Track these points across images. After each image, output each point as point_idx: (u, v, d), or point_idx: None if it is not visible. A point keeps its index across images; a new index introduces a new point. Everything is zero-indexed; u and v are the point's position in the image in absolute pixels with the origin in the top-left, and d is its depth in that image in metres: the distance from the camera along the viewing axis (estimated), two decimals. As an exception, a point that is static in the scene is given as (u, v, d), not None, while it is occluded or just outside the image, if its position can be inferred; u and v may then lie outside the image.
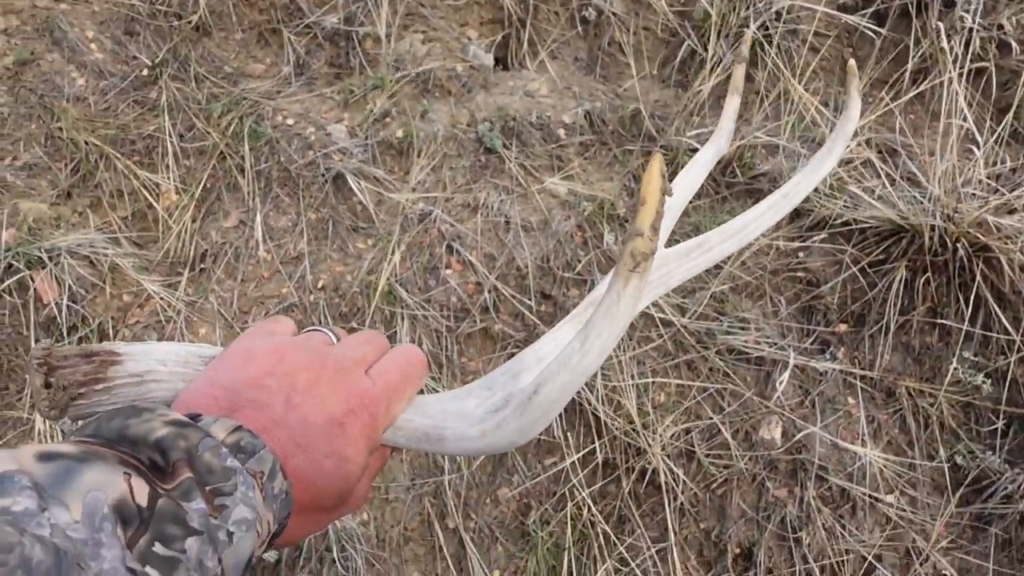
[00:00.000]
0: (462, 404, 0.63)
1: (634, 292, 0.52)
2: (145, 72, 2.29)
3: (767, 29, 2.33)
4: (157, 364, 0.61)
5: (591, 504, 1.73)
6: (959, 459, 1.75)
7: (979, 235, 1.77)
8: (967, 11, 2.19)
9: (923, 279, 1.82)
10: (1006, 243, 1.77)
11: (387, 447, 0.64)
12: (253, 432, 0.51)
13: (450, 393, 0.65)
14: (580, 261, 1.97)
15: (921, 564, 1.67)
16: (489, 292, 1.93)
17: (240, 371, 0.56)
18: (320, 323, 1.86)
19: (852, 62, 0.90)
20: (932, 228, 1.80)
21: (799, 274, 1.97)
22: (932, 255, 1.82)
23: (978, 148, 1.94)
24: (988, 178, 1.91)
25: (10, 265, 1.81)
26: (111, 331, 1.81)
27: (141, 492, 0.42)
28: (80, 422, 0.56)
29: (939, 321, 1.83)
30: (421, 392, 0.67)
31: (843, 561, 1.68)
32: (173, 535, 0.42)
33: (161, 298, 1.85)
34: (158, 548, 0.41)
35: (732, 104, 0.94)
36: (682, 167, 2.13)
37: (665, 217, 0.84)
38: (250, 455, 0.49)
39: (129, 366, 0.60)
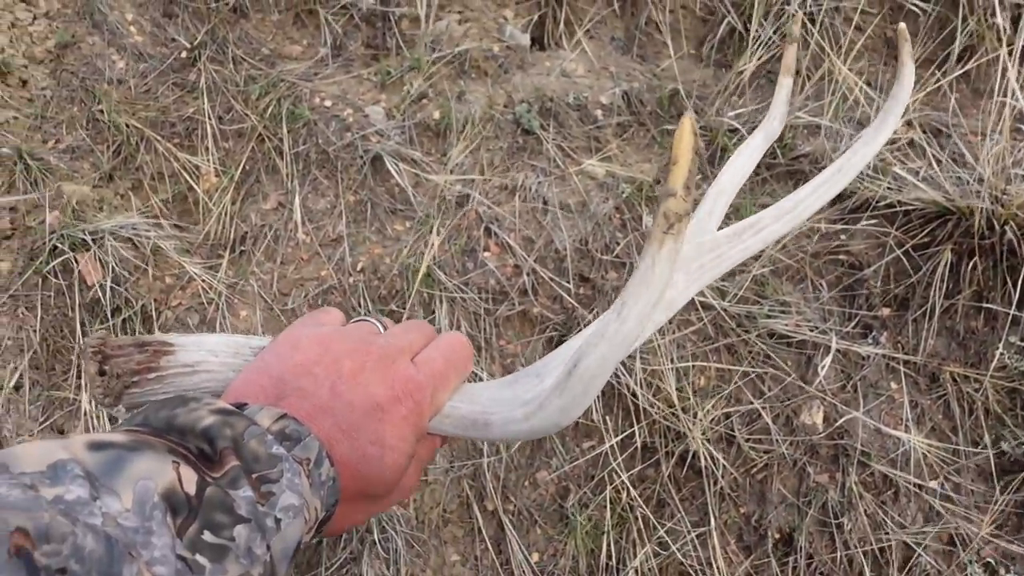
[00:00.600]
0: (510, 390, 0.63)
1: (669, 255, 0.51)
2: (184, 54, 2.30)
3: (810, 7, 2.28)
4: (208, 355, 0.62)
5: (630, 488, 1.73)
6: (1005, 446, 1.72)
7: (1029, 218, 1.73)
8: (1017, -13, 2.13)
9: (969, 263, 1.79)
10: (1057, 226, 1.73)
11: (436, 437, 0.64)
12: (298, 420, 0.51)
13: (498, 381, 0.65)
14: (619, 243, 1.96)
15: (965, 552, 1.65)
16: (527, 275, 1.92)
17: (287, 360, 0.57)
18: (360, 306, 1.87)
19: (902, 26, 0.86)
20: (979, 210, 1.77)
21: (841, 257, 1.94)
22: (979, 238, 1.78)
23: (1029, 128, 1.89)
24: (1040, 159, 1.86)
25: (55, 247, 1.84)
26: (154, 313, 1.83)
27: (189, 480, 0.42)
28: (133, 411, 0.57)
29: (985, 305, 1.80)
30: (470, 381, 0.67)
31: (886, 548, 1.66)
32: (222, 523, 0.42)
33: (203, 280, 1.87)
34: (207, 536, 0.42)
35: (785, 86, 0.91)
36: (721, 148, 2.10)
37: (719, 201, 0.82)
38: (296, 442, 0.50)
39: (181, 356, 0.61)
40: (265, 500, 0.45)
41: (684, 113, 0.55)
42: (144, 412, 0.49)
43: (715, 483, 1.72)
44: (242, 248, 1.98)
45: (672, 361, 1.79)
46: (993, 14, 2.12)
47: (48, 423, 1.74)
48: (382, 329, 0.65)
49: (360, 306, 1.88)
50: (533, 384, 0.63)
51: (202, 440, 0.46)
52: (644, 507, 1.71)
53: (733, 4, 2.44)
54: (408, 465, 0.58)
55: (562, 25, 2.57)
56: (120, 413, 0.47)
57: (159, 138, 2.10)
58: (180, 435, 0.46)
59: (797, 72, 2.26)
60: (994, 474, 1.72)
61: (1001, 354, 1.75)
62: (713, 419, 1.75)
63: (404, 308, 1.87)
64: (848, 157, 0.79)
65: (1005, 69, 1.96)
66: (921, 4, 2.27)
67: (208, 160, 2.10)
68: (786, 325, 1.83)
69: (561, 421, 0.57)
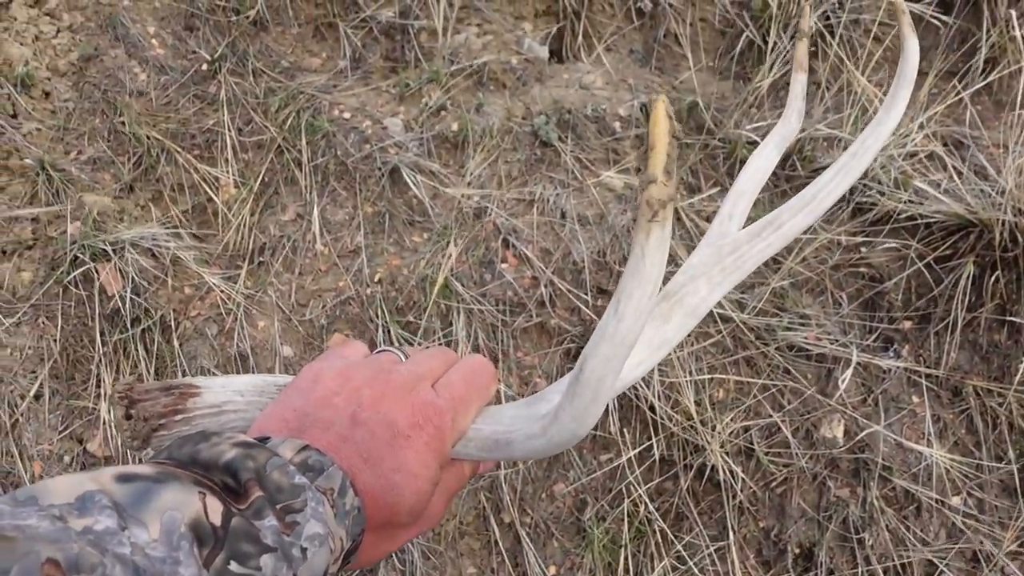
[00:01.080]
0: (529, 409, 0.62)
1: (658, 243, 0.49)
2: (204, 67, 2.33)
3: (829, 19, 2.28)
4: (234, 395, 0.62)
5: (648, 501, 1.71)
6: (1030, 461, 1.70)
7: (1053, 230, 1.72)
8: (1039, -2, 2.12)
9: (992, 275, 1.77)
10: (1082, 239, 1.71)
11: (464, 464, 0.64)
12: (320, 450, 0.51)
13: (521, 400, 0.65)
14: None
15: (990, 570, 1.63)
16: (545, 286, 1.92)
17: (309, 393, 0.58)
18: (377, 318, 1.87)
19: (901, 3, 0.85)
20: (1002, 223, 1.75)
21: (862, 269, 1.93)
22: (1002, 250, 1.76)
23: (1052, 140, 1.88)
24: (1063, 172, 1.85)
25: (76, 257, 1.85)
26: (173, 323, 1.84)
27: (215, 511, 0.43)
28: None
29: (1008, 318, 1.78)
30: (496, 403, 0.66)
31: (907, 564, 1.64)
32: (248, 553, 0.42)
33: (221, 291, 1.87)
34: (233, 566, 0.42)
35: (799, 82, 0.89)
36: (741, 161, 2.10)
37: (738, 203, 0.81)
38: (319, 473, 0.50)
39: (207, 397, 0.61)
40: (290, 530, 0.45)
41: (657, 96, 0.54)
42: (168, 449, 0.49)
43: (734, 497, 1.71)
44: (261, 259, 1.99)
45: (690, 374, 1.78)
46: (1019, 25, 2.11)
47: (67, 432, 1.75)
48: (403, 358, 0.65)
49: (377, 317, 1.88)
50: (551, 400, 0.62)
51: (225, 474, 0.46)
52: (662, 521, 1.70)
53: (752, 17, 2.44)
54: (432, 492, 0.58)
55: (581, 38, 2.58)
56: (148, 456, 0.48)
57: (179, 149, 2.12)
58: (204, 469, 0.46)
59: (817, 84, 2.26)
60: (1018, 490, 1.69)
61: (1025, 368, 1.73)
62: (732, 432, 1.74)
63: (421, 320, 1.87)
64: (862, 140, 0.77)
65: (1027, 81, 1.95)
66: (942, 16, 2.26)
67: (227, 171, 2.11)
68: (806, 338, 1.82)
69: (577, 430, 0.57)
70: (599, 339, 0.53)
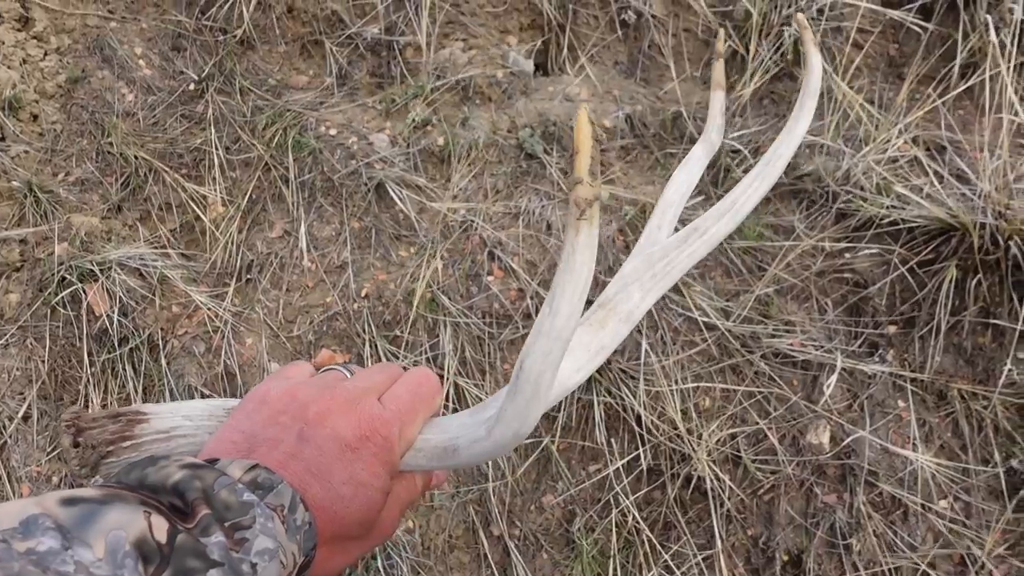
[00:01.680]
0: (477, 416, 0.63)
1: (587, 240, 0.52)
2: (192, 86, 2.34)
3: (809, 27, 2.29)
4: (183, 420, 0.63)
5: (636, 511, 1.72)
6: (1015, 463, 1.70)
7: (1033, 233, 1.72)
8: (1016, 3, 2.13)
9: (975, 279, 1.78)
10: (1062, 241, 1.71)
11: (416, 476, 0.65)
12: (269, 468, 0.52)
13: (468, 410, 0.66)
14: (622, 266, 1.96)
15: (976, 573, 1.62)
16: (531, 298, 1.93)
17: (256, 414, 0.59)
18: (364, 332, 1.88)
19: (800, 16, 0.91)
20: (983, 226, 1.76)
21: (846, 275, 1.93)
22: (983, 253, 1.77)
23: (1031, 143, 1.89)
24: (1043, 174, 1.86)
25: (63, 278, 1.87)
26: (160, 342, 1.85)
27: (160, 529, 0.43)
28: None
29: (992, 321, 1.78)
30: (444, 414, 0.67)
31: (895, 569, 1.64)
32: (194, 568, 0.43)
33: (209, 309, 1.88)
34: None
35: (717, 99, 0.93)
36: (725, 169, 2.10)
37: (666, 214, 0.84)
38: (268, 490, 0.50)
39: (155, 423, 0.62)
40: (239, 546, 0.46)
41: (580, 107, 0.56)
42: (117, 475, 0.50)
43: (721, 505, 1.71)
44: (248, 276, 2.00)
45: (676, 383, 1.79)
46: (997, 30, 2.12)
47: (55, 453, 1.75)
48: (349, 375, 0.66)
49: (364, 332, 1.89)
50: (495, 406, 0.63)
51: (173, 495, 0.47)
52: (649, 530, 1.70)
53: (735, 27, 2.46)
54: (383, 502, 0.59)
55: (565, 50, 2.60)
56: (97, 484, 0.49)
57: (167, 169, 2.13)
58: (152, 492, 0.47)
59: (799, 91, 2.27)
60: (1005, 492, 1.69)
61: (1009, 370, 1.74)
62: (718, 440, 1.74)
63: (407, 334, 1.88)
64: (774, 149, 0.82)
65: (1005, 85, 1.96)
66: (922, 22, 2.27)
67: (215, 190, 2.13)
68: (791, 345, 1.82)
69: (520, 429, 0.57)
70: (536, 336, 0.54)
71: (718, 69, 0.91)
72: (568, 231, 0.52)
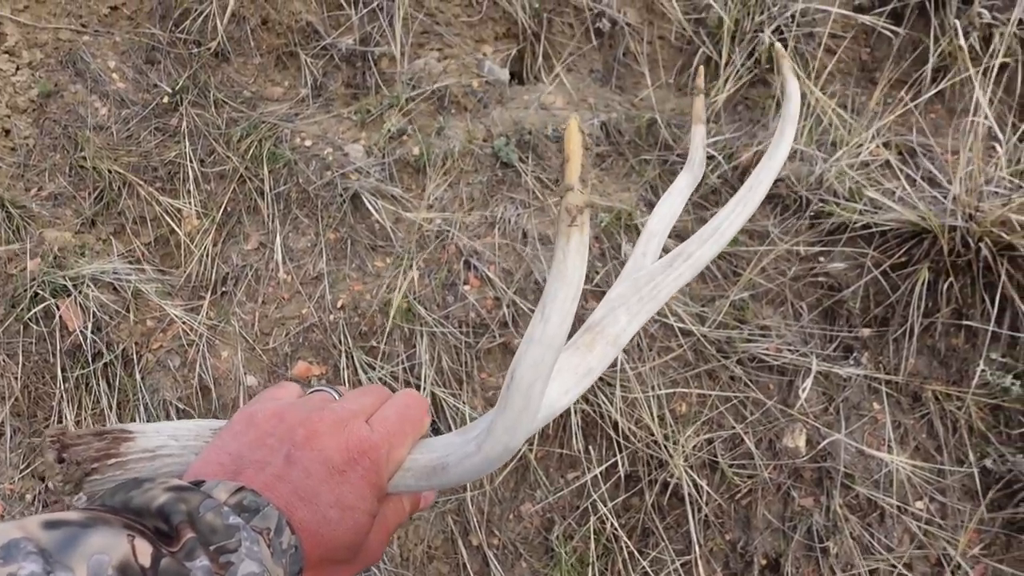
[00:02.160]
0: (466, 435, 0.63)
1: (578, 246, 0.53)
2: (166, 100, 2.34)
3: (782, 33, 2.31)
4: (168, 439, 0.63)
5: (614, 518, 1.71)
6: (989, 463, 1.71)
7: (1003, 234, 1.74)
8: (985, 7, 2.15)
9: (947, 281, 1.79)
10: (1031, 241, 1.73)
11: (403, 498, 0.65)
12: (256, 491, 0.52)
13: (457, 429, 0.65)
14: (598, 273, 1.97)
15: (952, 573, 1.63)
16: (507, 307, 1.93)
17: (243, 436, 0.58)
18: (340, 343, 1.88)
19: (779, 45, 0.92)
20: (953, 228, 1.77)
21: (820, 279, 1.94)
22: (955, 256, 1.79)
23: (1000, 145, 1.90)
24: (1012, 176, 1.87)
25: (36, 294, 1.85)
26: (135, 356, 1.84)
27: (144, 553, 0.43)
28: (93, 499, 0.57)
29: (964, 323, 1.80)
30: (433, 435, 0.67)
31: (872, 571, 1.65)
32: None
33: (184, 322, 1.87)
34: None
35: (698, 133, 0.94)
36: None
37: (650, 243, 0.85)
38: (254, 513, 0.50)
39: (141, 442, 0.62)
40: (224, 570, 0.46)
41: (570, 116, 0.58)
42: (100, 497, 0.50)
43: (699, 510, 1.71)
44: (223, 289, 2.00)
45: (652, 389, 1.79)
46: (966, 35, 2.14)
47: (28, 470, 1.74)
48: (336, 396, 0.66)
49: (341, 344, 1.88)
50: (484, 424, 0.63)
51: (158, 519, 0.46)
52: (628, 537, 1.70)
53: (709, 34, 2.47)
54: (370, 525, 0.58)
55: (541, 59, 2.60)
56: (81, 502, 0.48)
57: (141, 183, 2.12)
58: (136, 515, 0.47)
59: (772, 97, 2.29)
60: (979, 492, 1.70)
61: (982, 371, 1.75)
62: (695, 445, 1.75)
63: (383, 344, 1.87)
64: (756, 174, 0.83)
65: (975, 89, 1.97)
66: (893, 27, 2.29)
67: (190, 203, 2.12)
68: (766, 349, 1.83)
69: (510, 442, 0.57)
70: (527, 344, 0.54)
71: (698, 105, 0.92)
72: (559, 238, 0.53)
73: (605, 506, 1.72)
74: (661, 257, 0.78)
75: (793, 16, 2.31)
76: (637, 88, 2.54)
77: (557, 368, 0.70)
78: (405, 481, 0.62)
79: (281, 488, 0.54)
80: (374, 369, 1.85)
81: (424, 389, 1.82)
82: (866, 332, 1.87)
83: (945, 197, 1.86)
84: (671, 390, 1.80)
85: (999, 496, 1.69)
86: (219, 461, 0.57)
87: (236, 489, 0.51)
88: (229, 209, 2.14)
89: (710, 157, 2.15)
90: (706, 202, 2.12)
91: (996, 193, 1.81)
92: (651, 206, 2.15)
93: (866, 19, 2.32)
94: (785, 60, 0.88)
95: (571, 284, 0.53)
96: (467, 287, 1.97)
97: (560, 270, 0.53)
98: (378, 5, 2.50)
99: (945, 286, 1.79)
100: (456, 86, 2.40)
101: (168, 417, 1.73)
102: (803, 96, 2.19)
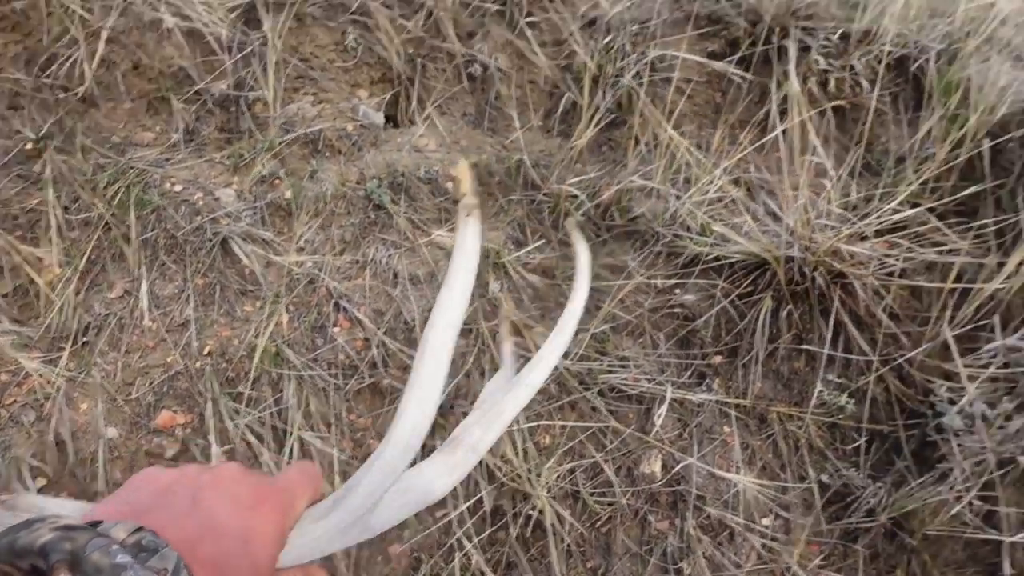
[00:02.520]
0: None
1: (474, 229, 0.78)
2: (29, 146, 2.29)
3: (641, 77, 2.44)
4: (57, 508, 0.63)
5: (480, 553, 1.75)
6: (825, 478, 1.83)
7: (834, 263, 1.87)
8: (821, 54, 2.33)
9: (787, 308, 1.91)
10: (859, 269, 1.87)
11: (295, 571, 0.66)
12: (155, 532, 0.51)
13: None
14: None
15: (796, 585, 1.73)
16: (377, 347, 1.96)
17: (144, 489, 0.58)
18: (207, 391, 1.87)
19: (572, 219, 1.04)
20: (791, 259, 1.90)
21: (676, 310, 2.04)
22: (794, 285, 1.91)
23: (829, 181, 2.05)
24: (843, 208, 2.02)
25: None
26: (-11, 411, 1.79)
27: None
28: None
29: (804, 347, 1.92)
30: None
31: (723, 588, 1.73)
32: None
33: (40, 375, 1.84)
34: None
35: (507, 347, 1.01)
36: (563, 214, 2.19)
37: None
38: (152, 552, 0.50)
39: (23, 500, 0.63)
40: None
41: (460, 158, 0.79)
42: None
43: (562, 540, 1.76)
44: (85, 339, 1.96)
45: (517, 423, 1.84)
46: (804, 80, 2.31)
47: None
48: None
49: (207, 391, 1.87)
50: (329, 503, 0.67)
51: (38, 557, 0.46)
52: (492, 572, 1.74)
53: (574, 79, 2.59)
54: (276, 556, 0.59)
55: (415, 102, 2.67)
56: None
57: (-1, 232, 2.08)
58: (18, 556, 0.46)
59: (630, 138, 2.40)
60: (818, 506, 1.81)
61: (820, 391, 1.87)
62: (558, 476, 1.80)
63: (252, 389, 1.88)
64: (562, 321, 0.86)
65: (808, 130, 2.13)
66: (741, 73, 2.45)
67: (51, 251, 2.08)
68: (625, 379, 1.91)
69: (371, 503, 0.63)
70: (438, 310, 0.72)
71: (506, 329, 1.04)
72: (459, 225, 0.77)
73: (470, 542, 1.75)
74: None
75: (651, 63, 2.44)
76: (508, 130, 2.63)
77: (431, 462, 0.74)
78: (294, 554, 0.62)
79: (187, 523, 0.54)
80: (240, 415, 1.85)
81: (291, 434, 1.83)
82: (718, 359, 1.98)
83: (784, 230, 1.99)
84: (535, 423, 1.86)
85: (835, 508, 1.81)
86: (119, 510, 0.56)
87: (135, 529, 0.50)
88: (93, 257, 2.11)
89: (573, 196, 2.24)
90: (568, 240, 2.20)
91: (827, 226, 1.95)
92: (518, 244, 2.22)
93: (718, 65, 2.47)
94: (575, 231, 1.04)
95: (471, 255, 0.75)
96: (336, 329, 1.99)
97: (462, 244, 0.75)
98: (252, 51, 2.52)
99: (785, 313, 1.91)
100: (330, 130, 2.44)
101: (20, 476, 1.69)
102: (656, 137, 2.31)
